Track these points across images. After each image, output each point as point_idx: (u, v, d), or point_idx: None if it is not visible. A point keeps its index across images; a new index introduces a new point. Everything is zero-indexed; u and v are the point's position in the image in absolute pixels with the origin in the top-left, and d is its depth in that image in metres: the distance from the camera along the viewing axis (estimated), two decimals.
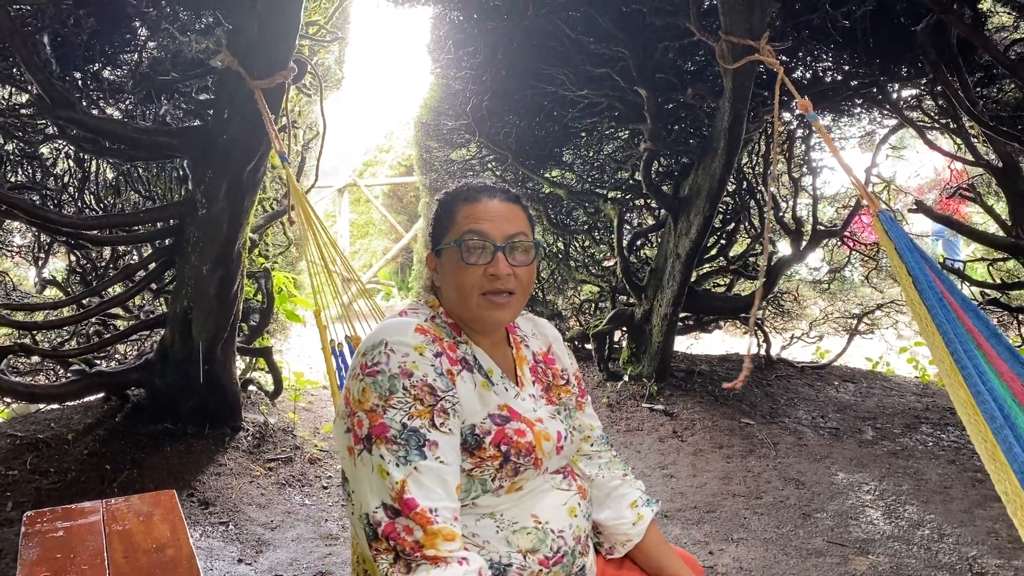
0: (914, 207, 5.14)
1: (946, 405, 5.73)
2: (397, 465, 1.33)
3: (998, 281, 5.81)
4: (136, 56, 4.42)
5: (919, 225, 8.69)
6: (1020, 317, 6.16)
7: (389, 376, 1.38)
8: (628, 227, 6.47)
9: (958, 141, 5.70)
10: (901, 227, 1.72)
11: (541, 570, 1.48)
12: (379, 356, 1.41)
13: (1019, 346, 6.10)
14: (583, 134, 6.48)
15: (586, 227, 6.95)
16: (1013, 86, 5.08)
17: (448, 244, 1.53)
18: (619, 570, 1.71)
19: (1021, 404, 1.51)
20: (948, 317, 1.57)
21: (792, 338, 7.22)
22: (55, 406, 4.70)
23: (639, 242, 6.66)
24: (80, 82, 4.38)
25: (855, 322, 7.07)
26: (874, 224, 1.76)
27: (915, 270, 1.64)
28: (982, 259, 6.24)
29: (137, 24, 4.33)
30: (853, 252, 7.35)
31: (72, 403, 4.64)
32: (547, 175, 6.65)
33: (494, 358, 1.58)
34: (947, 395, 6.02)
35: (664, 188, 6.05)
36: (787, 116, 6.10)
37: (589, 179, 6.78)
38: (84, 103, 4.33)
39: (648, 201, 6.61)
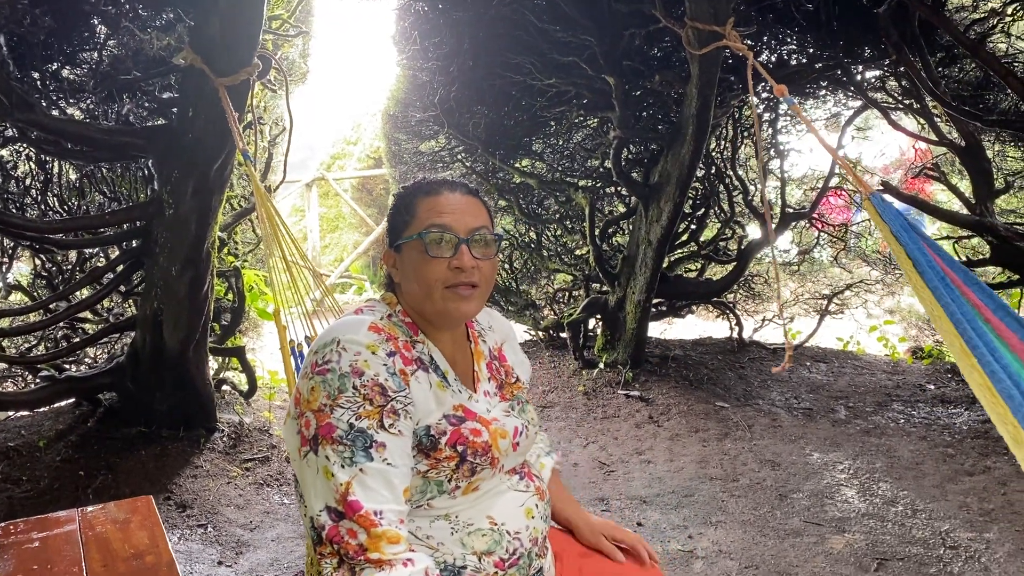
0: (880, 188, 5.20)
1: (916, 382, 5.82)
2: (342, 466, 1.30)
3: (963, 259, 5.90)
4: (96, 55, 4.34)
5: None
6: None
7: (339, 375, 1.35)
8: (600, 215, 6.48)
9: (921, 121, 5.77)
10: (894, 207, 1.67)
11: (496, 572, 1.46)
12: (330, 354, 1.38)
13: None
14: (552, 123, 6.47)
15: (558, 216, 6.96)
16: (974, 66, 5.16)
17: (409, 238, 1.50)
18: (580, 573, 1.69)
19: None
20: (953, 296, 1.53)
21: (764, 320, 7.29)
22: (25, 413, 4.63)
23: (611, 230, 6.68)
24: (39, 82, 4.29)
25: (825, 303, 7.15)
26: (866, 206, 1.70)
27: (913, 251, 1.59)
28: (947, 237, 6.34)
29: (96, 22, 4.25)
30: (822, 233, 7.42)
31: (43, 409, 4.57)
32: (517, 165, 6.65)
33: (453, 356, 1.56)
34: (917, 372, 6.13)
35: (634, 175, 6.07)
36: (754, 100, 6.13)
37: (559, 168, 6.78)
38: (44, 104, 4.24)
39: (619, 189, 6.63)
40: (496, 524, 1.49)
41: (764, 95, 6.01)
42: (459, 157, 6.87)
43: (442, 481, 1.43)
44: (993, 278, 5.82)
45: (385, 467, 1.32)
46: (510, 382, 1.68)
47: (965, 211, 5.42)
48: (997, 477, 3.99)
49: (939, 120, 5.31)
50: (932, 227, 8.84)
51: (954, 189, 5.78)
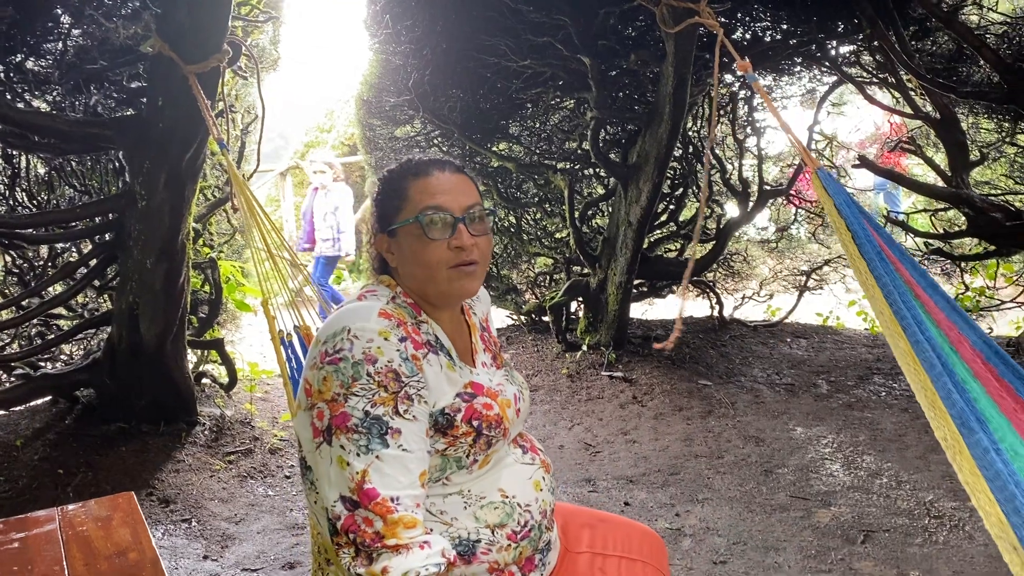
0: (857, 162, 5.22)
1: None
2: (358, 455, 1.30)
3: (940, 231, 5.95)
4: (61, 45, 4.24)
5: (862, 179, 8.84)
6: (963, 265, 6.32)
7: (353, 363, 1.34)
8: (579, 197, 6.45)
9: (896, 95, 5.79)
10: (839, 183, 1.74)
11: (509, 545, 1.48)
12: (341, 343, 1.37)
13: (964, 292, 6.28)
14: (529, 105, 6.42)
15: (537, 200, 6.92)
16: (947, 38, 5.17)
17: (405, 222, 1.49)
18: (578, 549, 1.72)
19: (958, 352, 1.54)
20: (886, 269, 1.59)
21: (743, 298, 7.31)
22: (0, 412, 4.55)
23: (591, 212, 6.66)
24: (2, 75, 4.19)
25: (804, 279, 7.19)
26: (812, 181, 1.79)
27: (853, 225, 1.66)
28: (924, 210, 6.39)
29: (59, 11, 4.15)
30: (799, 210, 7.45)
31: (18, 408, 4.50)
32: (495, 149, 6.60)
33: (453, 333, 1.57)
34: None
35: (612, 156, 6.05)
36: (729, 78, 6.12)
37: (537, 151, 6.74)
38: (8, 97, 4.14)
39: (597, 170, 6.60)
40: (508, 497, 1.51)
41: (740, 73, 5.99)
42: (435, 142, 6.80)
43: (460, 457, 1.45)
44: (970, 249, 5.87)
45: (401, 453, 1.32)
46: (498, 351, 1.72)
47: (941, 183, 5.45)
48: None
49: (914, 93, 5.32)
50: (908, 200, 8.91)
51: (930, 162, 5.81)
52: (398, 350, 1.38)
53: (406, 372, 1.37)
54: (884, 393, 5.04)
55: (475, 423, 1.45)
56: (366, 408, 1.32)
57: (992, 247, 5.21)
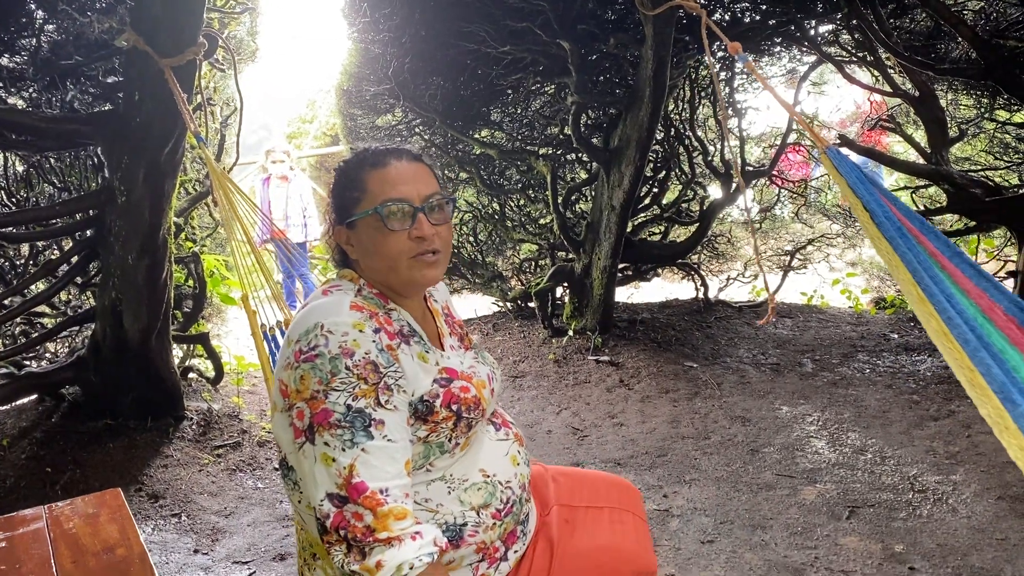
0: (838, 141, 5.24)
1: (880, 332, 5.92)
2: (343, 449, 1.29)
3: (922, 208, 5.98)
4: (35, 41, 4.19)
5: None
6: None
7: (330, 358, 1.33)
8: (562, 183, 6.45)
9: (876, 73, 5.81)
10: (850, 160, 1.68)
11: (495, 523, 1.50)
12: (315, 339, 1.35)
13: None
14: (509, 91, 6.41)
15: (520, 186, 6.92)
16: (924, 15, 5.18)
17: (365, 213, 1.48)
18: (547, 508, 1.75)
19: (992, 321, 1.49)
20: (909, 245, 1.54)
21: (728, 279, 7.35)
22: None
23: (574, 197, 6.66)
24: None
25: (788, 259, 7.22)
26: (823, 161, 1.73)
27: (870, 203, 1.59)
28: (905, 187, 6.41)
29: (33, 6, 4.10)
30: (782, 190, 7.48)
31: (4, 407, 4.47)
32: (476, 136, 6.58)
33: (420, 320, 1.57)
34: (881, 322, 6.23)
35: (594, 141, 6.05)
36: (710, 60, 6.12)
37: (519, 137, 6.72)
38: None
39: (579, 155, 6.60)
40: (488, 476, 1.52)
41: (720, 54, 6.00)
42: (417, 130, 6.78)
43: (443, 442, 1.46)
44: (951, 226, 5.91)
45: (386, 443, 1.32)
46: (465, 333, 1.72)
47: (921, 161, 5.48)
48: (961, 421, 4.08)
49: (893, 72, 5.34)
50: (890, 178, 8.95)
51: (910, 139, 5.84)
52: (373, 341, 1.37)
53: (383, 363, 1.37)
54: (868, 370, 5.08)
55: (454, 407, 1.45)
56: (347, 402, 1.31)
57: (973, 223, 5.24)
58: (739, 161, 6.48)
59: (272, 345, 2.51)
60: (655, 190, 6.71)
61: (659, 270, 7.41)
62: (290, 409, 1.35)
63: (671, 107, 6.46)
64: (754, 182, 6.90)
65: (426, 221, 1.47)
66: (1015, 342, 1.46)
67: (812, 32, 5.71)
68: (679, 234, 7.16)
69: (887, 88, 5.33)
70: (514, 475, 1.57)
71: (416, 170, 1.52)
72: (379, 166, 1.51)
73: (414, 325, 1.53)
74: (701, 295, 6.84)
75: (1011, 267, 5.47)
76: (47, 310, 5.05)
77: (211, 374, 5.10)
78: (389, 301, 1.53)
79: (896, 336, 5.77)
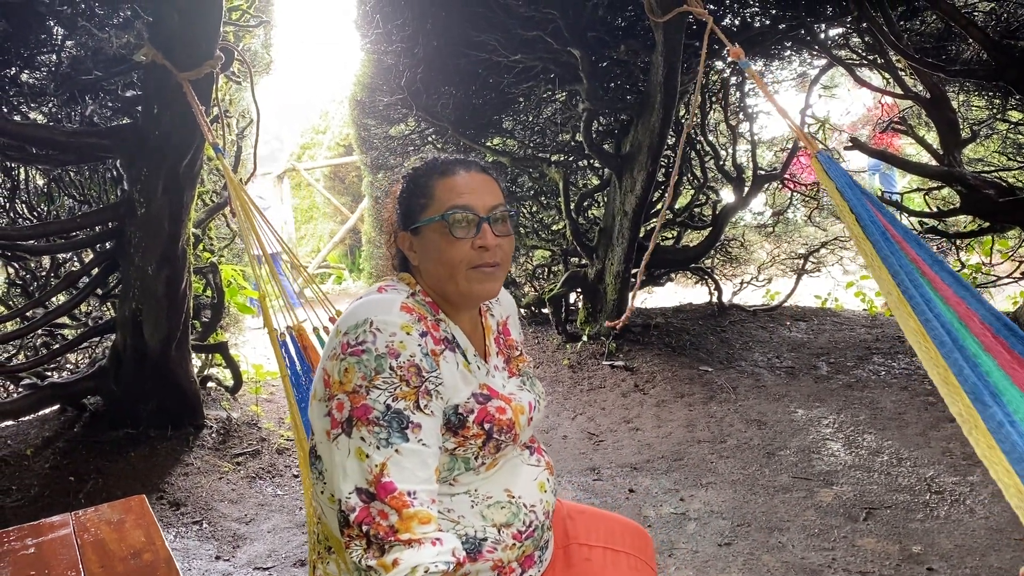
0: (850, 144, 5.24)
1: (895, 334, 5.90)
2: (378, 447, 1.30)
3: (935, 210, 5.97)
4: (55, 57, 4.27)
5: (855, 161, 8.86)
6: (958, 243, 6.35)
7: (376, 356, 1.34)
8: (574, 189, 6.48)
9: (886, 76, 5.81)
10: (840, 165, 1.75)
11: (514, 544, 1.49)
12: (364, 335, 1.37)
13: (960, 270, 6.31)
14: (521, 99, 6.45)
15: (532, 193, 6.96)
16: (935, 17, 5.19)
17: (430, 220, 1.49)
18: (563, 542, 1.73)
19: (967, 327, 1.55)
20: (892, 249, 1.60)
21: (742, 283, 7.34)
22: (10, 422, 4.58)
23: (586, 203, 6.68)
24: None
25: (802, 262, 7.21)
26: (813, 165, 1.79)
27: (857, 207, 1.66)
28: (918, 189, 6.40)
29: (52, 23, 4.18)
30: (794, 194, 7.47)
31: (27, 418, 4.54)
32: (488, 144, 6.63)
33: (470, 334, 1.57)
34: (895, 325, 6.22)
35: (606, 147, 6.08)
36: (720, 65, 6.15)
37: (531, 144, 6.76)
38: (5, 109, 4.18)
39: (591, 161, 6.63)
40: (514, 497, 1.51)
41: (730, 60, 6.01)
42: (429, 139, 6.84)
43: (469, 458, 1.46)
44: (964, 227, 5.89)
45: (420, 447, 1.33)
46: (515, 355, 1.70)
47: (934, 163, 5.47)
48: None
49: (903, 74, 5.34)
50: (903, 180, 8.93)
51: (922, 141, 5.83)
52: (419, 345, 1.38)
53: (427, 367, 1.38)
54: (883, 372, 5.08)
55: (486, 426, 1.45)
56: (388, 401, 1.32)
57: (986, 224, 5.23)
58: (752, 164, 6.49)
59: (284, 350, 2.54)
60: (667, 195, 6.72)
61: (672, 275, 7.42)
62: (330, 399, 1.36)
63: (682, 112, 6.49)
64: (766, 186, 6.90)
65: (490, 231, 1.49)
66: (989, 349, 1.53)
67: (822, 35, 5.72)
68: (692, 239, 7.17)
69: (898, 90, 5.32)
70: (539, 500, 1.56)
71: (483, 181, 1.54)
72: (447, 174, 1.52)
73: (460, 339, 1.53)
74: (715, 299, 6.85)
75: None
76: (68, 321, 5.12)
77: (230, 383, 5.16)
78: (440, 311, 1.53)
79: None
